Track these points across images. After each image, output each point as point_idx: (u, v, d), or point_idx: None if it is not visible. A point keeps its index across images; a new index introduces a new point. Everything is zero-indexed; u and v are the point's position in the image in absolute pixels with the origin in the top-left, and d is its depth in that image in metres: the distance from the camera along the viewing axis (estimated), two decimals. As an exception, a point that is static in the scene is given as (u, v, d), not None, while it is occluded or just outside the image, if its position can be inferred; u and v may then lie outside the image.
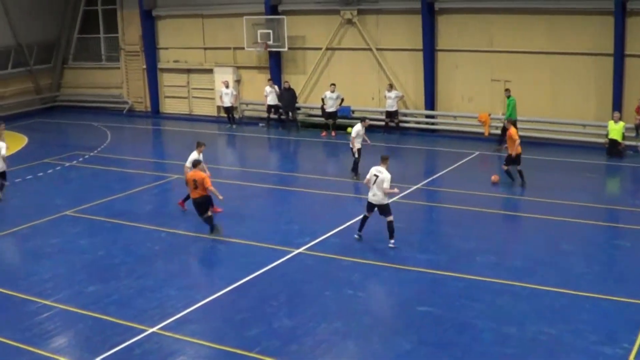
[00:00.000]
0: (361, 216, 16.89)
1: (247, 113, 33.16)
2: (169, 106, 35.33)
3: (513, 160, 20.94)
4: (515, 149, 20.70)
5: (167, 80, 35.18)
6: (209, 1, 32.98)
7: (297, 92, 30.97)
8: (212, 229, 17.55)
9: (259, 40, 30.92)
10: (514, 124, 21.51)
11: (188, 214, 19.05)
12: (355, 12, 29.63)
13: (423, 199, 20.43)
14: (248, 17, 31.33)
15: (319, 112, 30.27)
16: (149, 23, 34.59)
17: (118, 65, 36.64)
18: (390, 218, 16.32)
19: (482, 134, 27.08)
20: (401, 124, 29.12)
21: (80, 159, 26.19)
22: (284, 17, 30.63)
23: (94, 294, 14.62)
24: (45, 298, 14.47)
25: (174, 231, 18.15)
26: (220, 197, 17.39)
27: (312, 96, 31.54)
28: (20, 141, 30.11)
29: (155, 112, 35.31)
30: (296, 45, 31.11)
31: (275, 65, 31.70)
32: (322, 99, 29.58)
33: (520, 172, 21.06)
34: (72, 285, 15.04)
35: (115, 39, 36.64)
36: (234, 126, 31.68)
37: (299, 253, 16.42)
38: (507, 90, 25.78)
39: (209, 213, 17.64)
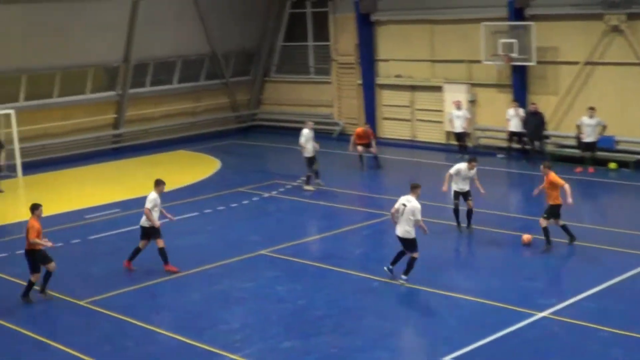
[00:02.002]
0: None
1: (482, 141, 33.16)
2: (388, 130, 36.10)
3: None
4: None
5: (386, 99, 36.03)
6: (440, 4, 33.44)
7: (546, 117, 30.57)
8: None
9: (499, 52, 30.92)
10: None
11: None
12: (623, 17, 28.81)
13: None
14: (487, 24, 31.44)
15: (574, 143, 29.68)
16: (366, 30, 35.68)
17: (328, 80, 38.05)
18: (415, 255, 17.88)
19: None
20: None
21: (281, 189, 27.43)
22: (532, 23, 30.46)
23: (290, 352, 15.20)
24: (232, 352, 15.20)
25: (388, 281, 18.54)
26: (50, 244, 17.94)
27: (564, 122, 30.99)
28: (212, 165, 32.04)
29: (371, 136, 36.21)
30: (546, 59, 30.78)
31: (519, 83, 31.53)
32: (578, 126, 28.99)
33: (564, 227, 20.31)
34: (265, 339, 15.74)
35: (325, 48, 38.14)
36: (466, 156, 31.72)
37: (543, 317, 16.20)
38: None
39: None
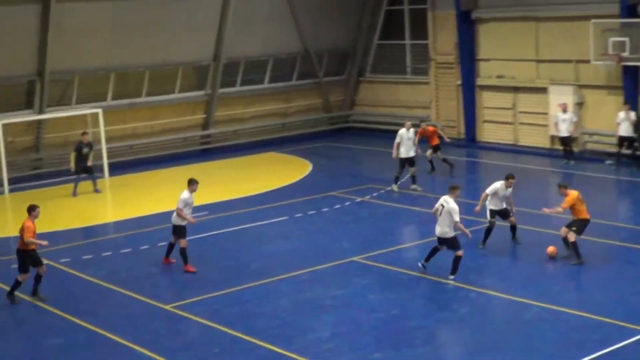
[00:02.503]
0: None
1: (590, 146, 32.67)
2: (489, 133, 35.88)
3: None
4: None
5: (487, 101, 35.81)
6: (546, 0, 33.13)
7: (662, 121, 30.00)
8: None
9: (610, 52, 30.42)
10: None
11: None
12: None
13: None
14: (596, 21, 30.97)
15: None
16: (466, 27, 35.54)
17: (426, 80, 38.00)
18: (460, 253, 19.10)
19: None
20: None
21: (375, 194, 27.49)
22: (647, 20, 29.92)
23: (382, 363, 15.27)
24: (322, 362, 15.39)
25: (485, 291, 18.43)
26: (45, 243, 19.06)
27: (681, 127, 30.33)
28: (303, 168, 32.29)
29: (471, 139, 36.03)
30: (662, 58, 30.19)
31: (630, 85, 30.95)
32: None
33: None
34: (356, 350, 15.79)
35: (424, 47, 38.09)
36: (572, 162, 31.35)
37: (652, 335, 15.91)
38: None
39: None
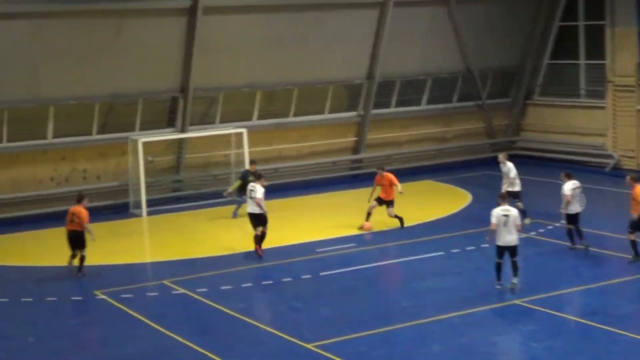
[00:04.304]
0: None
1: None
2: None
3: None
4: None
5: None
6: None
7: None
8: None
9: None
10: None
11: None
12: None
13: None
14: None
15: None
16: (651, 46, 34.62)
17: (602, 104, 37.17)
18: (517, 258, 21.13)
19: None
20: None
21: (541, 230, 26.95)
22: None
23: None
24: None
25: (666, 346, 17.67)
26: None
27: None
28: (461, 199, 31.97)
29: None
30: None
31: None
32: None
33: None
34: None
35: (600, 68, 37.29)
36: None
37: None
38: None
39: None
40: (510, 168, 27.95)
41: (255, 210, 24.76)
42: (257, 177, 27.45)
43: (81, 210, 23.60)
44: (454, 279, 22.70)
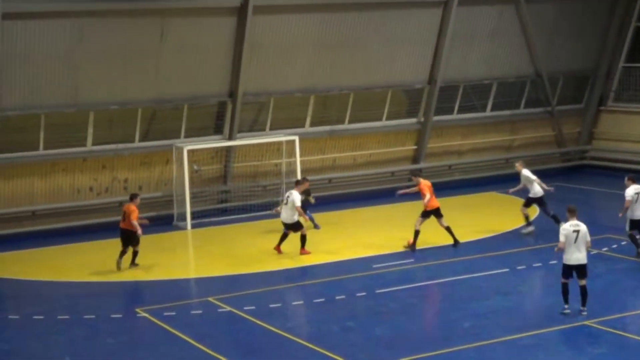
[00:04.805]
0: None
1: None
2: None
3: None
4: None
5: None
6: None
7: None
8: None
9: None
10: None
11: None
12: None
13: None
14: None
15: None
16: None
17: (682, 111, 36.79)
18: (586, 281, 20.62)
19: None
20: None
21: (614, 246, 26.77)
22: None
23: None
24: None
25: None
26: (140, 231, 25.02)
27: None
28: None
29: None
30: None
31: None
32: None
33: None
34: None
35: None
36: None
37: None
38: None
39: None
40: (526, 175, 28.58)
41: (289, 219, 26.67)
42: (307, 194, 27.80)
43: (130, 207, 25.47)
44: (519, 297, 22.63)
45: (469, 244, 27.71)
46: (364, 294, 22.66)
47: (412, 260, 25.82)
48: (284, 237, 26.87)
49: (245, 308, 21.88)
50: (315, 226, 29.01)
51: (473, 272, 24.59)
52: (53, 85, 29.77)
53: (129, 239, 25.53)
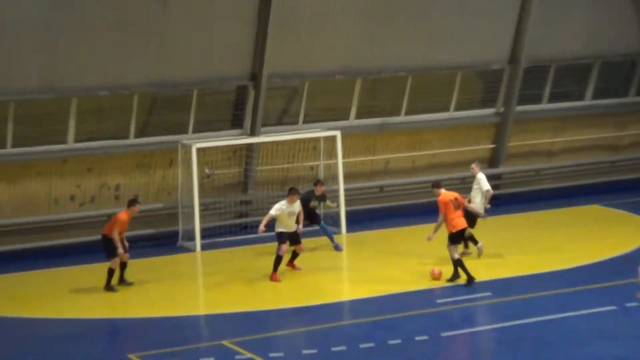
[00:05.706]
0: None
1: None
2: None
3: None
4: None
5: None
6: None
7: None
8: None
9: None
10: None
11: None
12: None
13: None
14: None
15: None
16: None
17: None
18: None
19: None
20: None
21: None
22: None
23: None
24: None
25: None
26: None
27: None
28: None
29: None
30: None
31: None
32: None
33: None
34: None
35: None
36: None
37: None
38: None
39: None
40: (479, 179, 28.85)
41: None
42: (322, 200, 28.67)
43: (121, 215, 26.18)
44: (631, 343, 22.04)
45: (563, 272, 27.61)
46: (425, 337, 22.30)
47: (488, 294, 25.50)
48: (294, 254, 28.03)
49: (271, 355, 21.53)
50: (336, 247, 29.40)
51: (569, 310, 24.22)
52: (26, 65, 29.64)
53: (104, 247, 26.11)
